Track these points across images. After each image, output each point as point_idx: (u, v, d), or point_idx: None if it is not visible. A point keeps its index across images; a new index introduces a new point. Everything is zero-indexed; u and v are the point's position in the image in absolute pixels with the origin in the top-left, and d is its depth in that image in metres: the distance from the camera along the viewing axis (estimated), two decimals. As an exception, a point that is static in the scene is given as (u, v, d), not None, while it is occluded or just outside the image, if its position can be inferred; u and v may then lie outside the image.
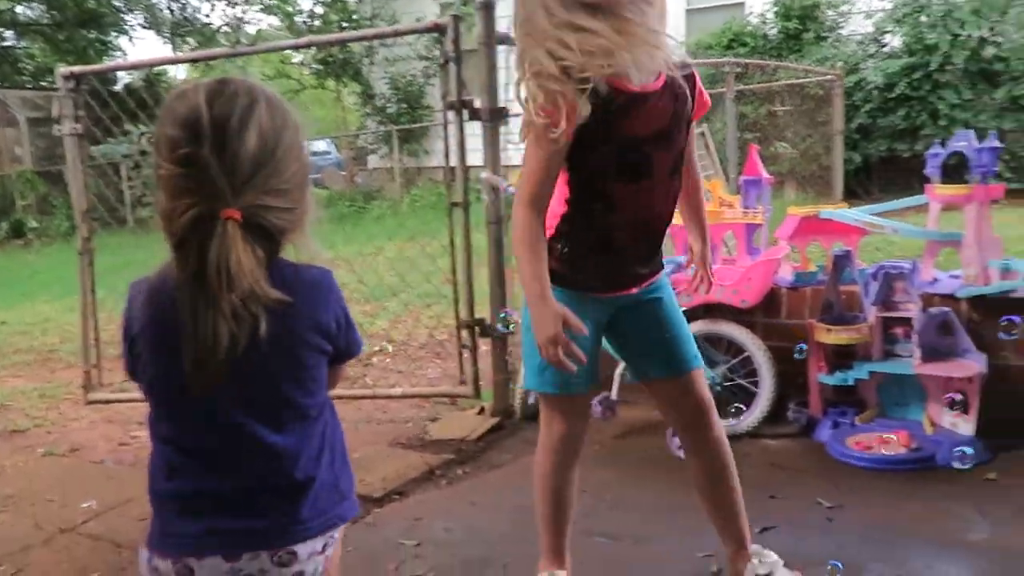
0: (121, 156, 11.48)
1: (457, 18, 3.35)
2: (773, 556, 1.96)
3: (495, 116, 3.33)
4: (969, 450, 2.34)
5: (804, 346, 2.76)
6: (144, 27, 17.60)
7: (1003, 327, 2.15)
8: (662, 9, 1.59)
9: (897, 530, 2.29)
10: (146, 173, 10.86)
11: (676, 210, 1.85)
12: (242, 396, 1.14)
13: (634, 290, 1.83)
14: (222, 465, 1.16)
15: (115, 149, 10.92)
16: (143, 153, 11.06)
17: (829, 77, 9.16)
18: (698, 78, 1.71)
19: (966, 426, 2.74)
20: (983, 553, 2.15)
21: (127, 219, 10.25)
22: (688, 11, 12.06)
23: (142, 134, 9.59)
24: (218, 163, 1.06)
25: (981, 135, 2.97)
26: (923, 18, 9.18)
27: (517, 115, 3.82)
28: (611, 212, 1.70)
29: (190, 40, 16.87)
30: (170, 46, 17.99)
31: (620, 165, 1.65)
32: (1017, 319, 2.21)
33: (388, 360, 4.34)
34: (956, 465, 2.38)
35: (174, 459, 1.17)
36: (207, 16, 17.68)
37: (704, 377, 1.93)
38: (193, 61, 4.88)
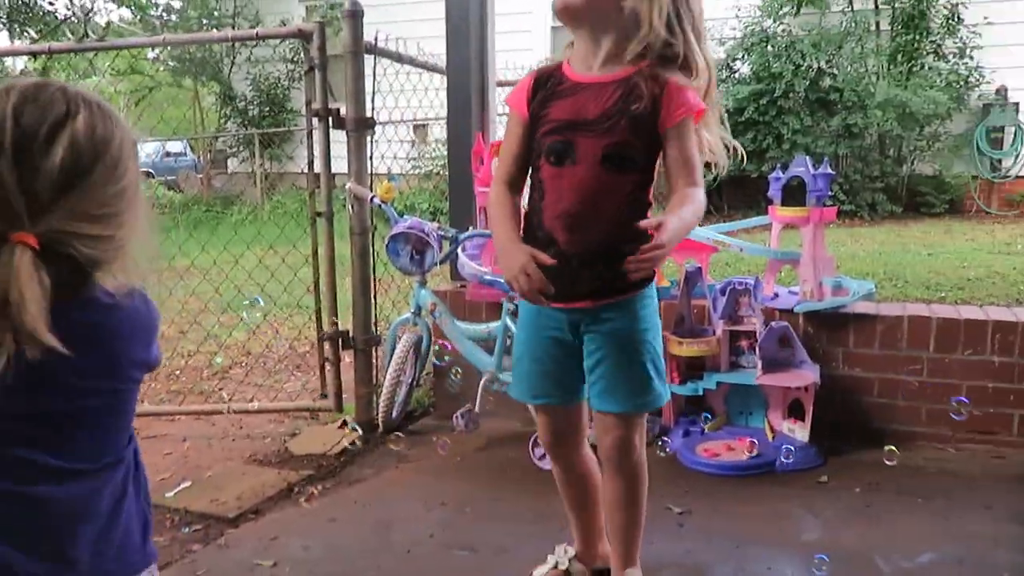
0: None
1: (323, 24, 3.30)
2: None
3: (361, 125, 3.31)
4: (791, 447, 2.73)
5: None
6: (-25, 11, 16.29)
7: (954, 408, 2.50)
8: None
9: (741, 533, 2.43)
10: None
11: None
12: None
13: (587, 303, 1.80)
14: None
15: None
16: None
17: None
18: (671, 87, 1.71)
19: (802, 432, 2.95)
20: (816, 552, 2.32)
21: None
22: (553, 28, 12.35)
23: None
24: (16, 181, 0.94)
25: (818, 160, 3.22)
26: (769, 48, 9.79)
27: (385, 123, 3.80)
28: (542, 197, 1.79)
29: (29, 29, 15.70)
30: (6, 34, 16.70)
31: (548, 147, 1.76)
32: (966, 400, 2.52)
33: (246, 373, 4.19)
34: (783, 460, 2.71)
35: None
36: (51, 4, 16.46)
37: (630, 421, 1.89)
38: (33, 54, 4.56)
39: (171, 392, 3.93)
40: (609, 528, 2.05)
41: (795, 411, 3.01)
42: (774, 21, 10.08)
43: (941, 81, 9.71)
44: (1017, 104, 9.74)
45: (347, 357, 3.47)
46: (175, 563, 2.32)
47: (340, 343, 3.38)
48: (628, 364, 1.84)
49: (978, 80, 9.85)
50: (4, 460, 1.00)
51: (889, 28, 9.99)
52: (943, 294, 4.89)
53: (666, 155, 1.77)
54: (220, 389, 3.98)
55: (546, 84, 1.78)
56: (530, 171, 1.84)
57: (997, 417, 2.96)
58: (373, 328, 3.45)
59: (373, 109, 3.40)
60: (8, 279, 0.92)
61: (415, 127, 10.48)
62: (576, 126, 1.73)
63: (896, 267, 6.07)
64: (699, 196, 1.76)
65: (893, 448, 2.53)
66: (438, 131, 10.00)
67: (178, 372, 4.25)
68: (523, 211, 1.89)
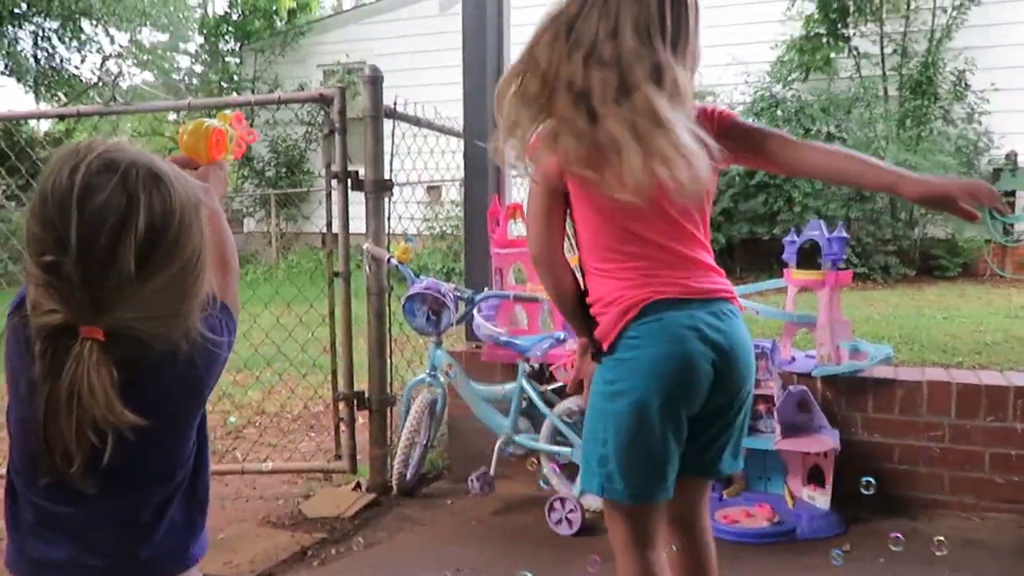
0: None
1: (343, 89, 3.38)
2: None
3: (379, 187, 3.36)
4: (812, 515, 2.67)
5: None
6: (3, 74, 16.76)
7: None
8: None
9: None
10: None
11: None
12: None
13: None
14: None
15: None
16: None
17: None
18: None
19: (822, 499, 2.90)
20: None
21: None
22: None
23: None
24: (82, 278, 0.94)
25: (832, 223, 3.24)
26: (779, 112, 9.94)
27: (402, 184, 3.85)
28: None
29: (57, 91, 16.14)
30: (33, 96, 17.16)
31: None
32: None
33: (260, 433, 4.18)
34: (804, 528, 2.55)
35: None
36: (77, 68, 16.95)
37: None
38: (62, 116, 4.67)
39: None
40: None
41: (815, 477, 2.97)
42: (783, 86, 10.25)
43: (950, 146, 9.79)
44: (1028, 168, 9.80)
45: (362, 418, 3.46)
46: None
47: (355, 403, 3.38)
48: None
49: (987, 145, 9.94)
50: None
51: (897, 94, 10.13)
52: (960, 359, 4.85)
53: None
54: (234, 449, 3.97)
55: None
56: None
57: (1022, 486, 2.91)
58: (388, 388, 3.45)
59: (391, 171, 3.46)
60: (81, 375, 0.95)
61: (429, 188, 10.62)
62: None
63: (912, 331, 6.04)
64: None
65: (942, 539, 2.41)
66: (452, 192, 10.14)
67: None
68: None
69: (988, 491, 2.93)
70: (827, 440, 2.90)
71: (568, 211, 1.64)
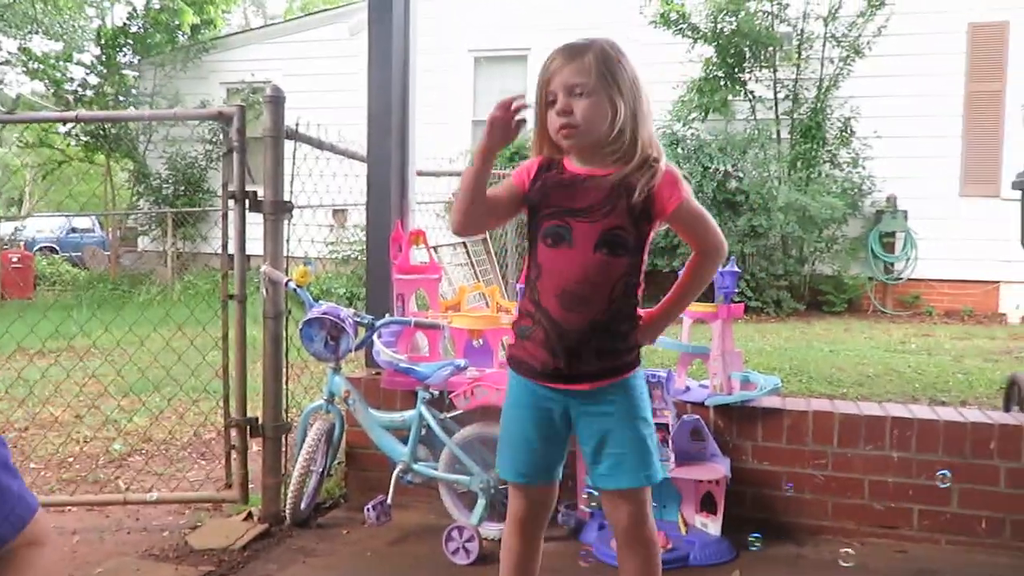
0: None
1: (243, 108, 3.31)
2: None
3: (278, 209, 3.29)
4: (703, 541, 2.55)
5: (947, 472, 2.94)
6: None
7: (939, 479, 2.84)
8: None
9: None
10: None
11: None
12: None
13: (586, 386, 1.94)
14: None
15: None
16: None
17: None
18: (658, 178, 1.91)
19: (714, 526, 2.97)
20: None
21: None
22: (474, 121, 12.67)
23: None
24: None
25: (725, 259, 3.35)
26: (679, 150, 10.28)
27: (303, 207, 3.79)
28: (539, 276, 1.94)
29: (-65, 98, 15.20)
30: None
31: (546, 230, 1.93)
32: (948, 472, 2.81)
33: (146, 461, 3.99)
34: (695, 555, 2.58)
35: None
36: (-42, 73, 16.03)
37: (640, 495, 1.99)
38: (-63, 123, 4.38)
39: (62, 481, 3.70)
40: None
41: (707, 505, 3.04)
42: (683, 125, 10.61)
43: (837, 188, 10.33)
44: (906, 211, 10.42)
45: (256, 445, 3.35)
46: (54, 670, 2.14)
47: (248, 430, 3.27)
48: (632, 441, 1.95)
49: (871, 188, 10.53)
50: None
51: (789, 136, 10.64)
52: (844, 390, 5.09)
53: (678, 231, 2.05)
54: (117, 478, 3.77)
55: (548, 169, 1.98)
56: (530, 255, 1.99)
57: (898, 512, 3.05)
58: (284, 415, 3.35)
59: (291, 193, 3.40)
60: None
61: (334, 212, 10.48)
62: (573, 212, 1.91)
63: (801, 362, 6.30)
64: (702, 267, 2.08)
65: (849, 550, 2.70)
66: (357, 216, 10.03)
67: (71, 459, 4.01)
68: (520, 292, 2.07)
69: (867, 517, 3.07)
70: (719, 468, 2.98)
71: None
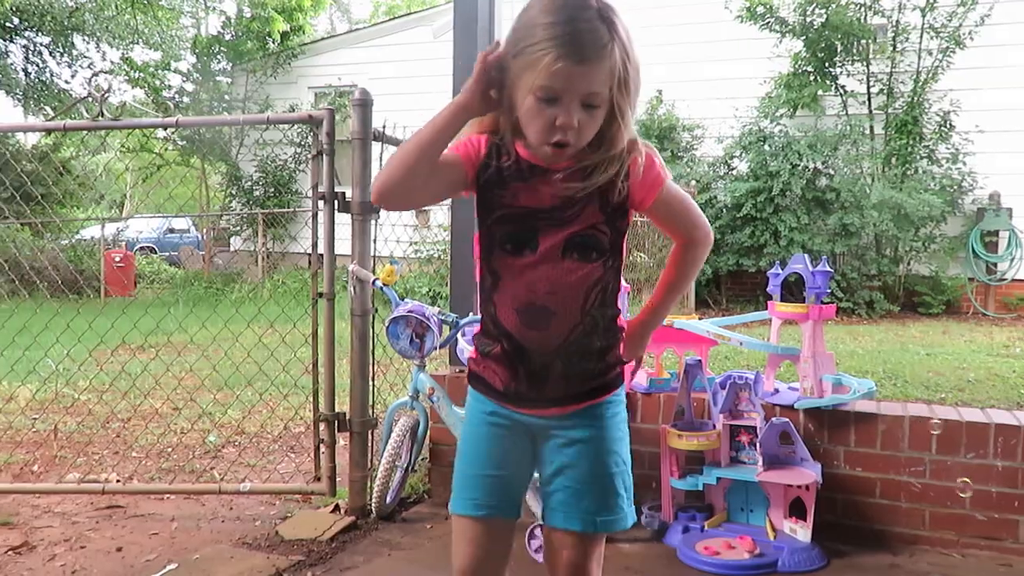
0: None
1: (332, 111, 3.39)
2: None
3: (366, 210, 3.35)
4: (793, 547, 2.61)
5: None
6: (-10, 87, 16.69)
7: (959, 487, 2.79)
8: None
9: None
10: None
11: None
12: None
13: (555, 411, 1.62)
14: None
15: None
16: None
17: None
18: (634, 167, 1.55)
19: (803, 532, 2.89)
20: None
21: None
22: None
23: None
24: None
25: (816, 258, 3.25)
26: (766, 147, 10.04)
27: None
28: (496, 287, 1.59)
29: (45, 106, 16.10)
30: (21, 109, 17.10)
31: (504, 236, 1.57)
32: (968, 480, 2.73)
33: (239, 453, 4.13)
34: (785, 561, 2.51)
35: None
36: (67, 82, 16.91)
37: (589, 543, 1.65)
38: (48, 131, 4.65)
39: (161, 470, 3.86)
40: None
41: (796, 510, 2.96)
42: (771, 122, 10.36)
43: (935, 185, 9.92)
44: (1011, 209, 9.93)
45: (343, 439, 3.43)
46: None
47: (336, 425, 3.35)
48: (594, 476, 1.62)
49: (971, 185, 10.07)
50: None
51: (883, 132, 10.27)
52: (943, 395, 4.87)
53: (657, 223, 1.69)
54: (212, 468, 3.91)
55: (498, 155, 1.57)
56: (482, 258, 1.61)
57: (1003, 523, 2.91)
58: (370, 411, 3.42)
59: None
60: None
61: (418, 212, 10.64)
62: (535, 214, 1.55)
63: (895, 366, 6.07)
64: (693, 259, 1.69)
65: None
66: (441, 216, 10.16)
67: (170, 449, 4.19)
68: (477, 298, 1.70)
69: (969, 527, 2.93)
70: (809, 473, 2.89)
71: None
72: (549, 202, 1.54)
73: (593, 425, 1.62)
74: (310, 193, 3.42)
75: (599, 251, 1.57)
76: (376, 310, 3.46)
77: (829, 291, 3.21)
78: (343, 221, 3.34)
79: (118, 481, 3.61)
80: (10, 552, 2.91)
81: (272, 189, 14.03)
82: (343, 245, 3.30)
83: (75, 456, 4.01)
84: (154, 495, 3.47)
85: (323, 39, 16.44)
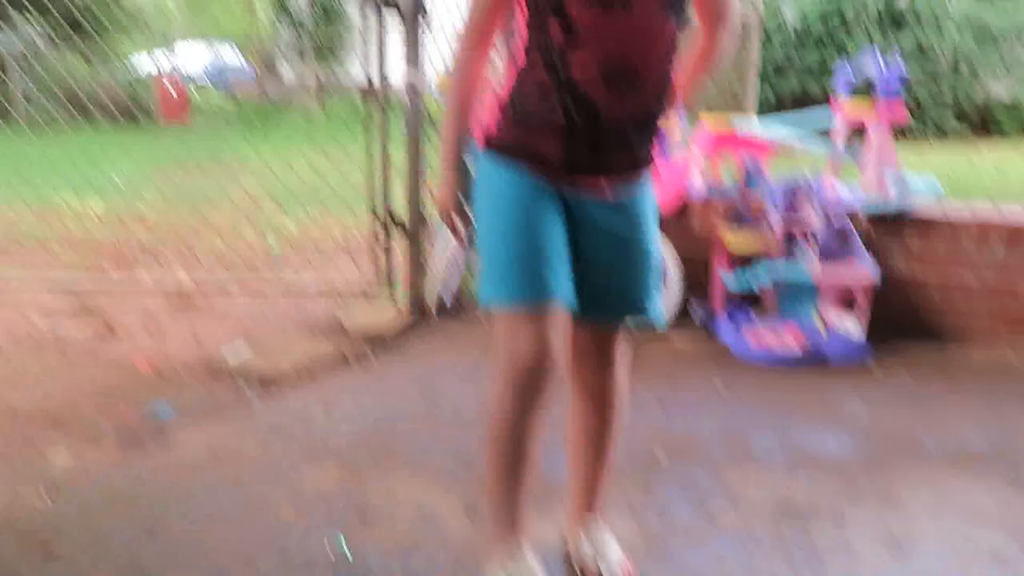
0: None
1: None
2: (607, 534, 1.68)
3: (415, 10, 3.25)
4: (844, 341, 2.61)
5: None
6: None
7: None
8: None
9: (783, 407, 2.47)
10: (37, 69, 10.17)
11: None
12: None
13: (602, 183, 1.44)
14: None
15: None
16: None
17: (746, 12, 9.27)
18: None
19: (856, 328, 2.91)
20: (856, 425, 2.34)
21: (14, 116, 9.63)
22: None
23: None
24: None
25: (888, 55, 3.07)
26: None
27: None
28: (575, 46, 1.34)
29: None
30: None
31: None
32: None
33: (301, 261, 4.28)
34: (835, 353, 2.56)
35: None
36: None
37: (618, 337, 1.56)
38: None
39: (229, 275, 4.03)
40: (579, 470, 1.66)
41: (850, 306, 2.98)
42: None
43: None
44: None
45: (399, 243, 3.50)
46: (234, 413, 2.43)
47: (393, 228, 3.41)
48: (627, 269, 1.49)
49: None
50: None
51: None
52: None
53: None
54: (275, 268, 4.09)
55: None
56: (553, 9, 1.35)
57: (1060, 321, 2.89)
58: (425, 216, 3.46)
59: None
60: None
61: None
62: None
63: (962, 181, 5.88)
64: (721, 45, 1.54)
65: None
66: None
67: (237, 257, 4.36)
68: (516, 64, 1.43)
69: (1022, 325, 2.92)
70: (864, 271, 2.88)
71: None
72: None
73: (640, 197, 1.49)
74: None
75: (683, 6, 1.40)
76: (431, 121, 3.43)
77: (900, 93, 3.02)
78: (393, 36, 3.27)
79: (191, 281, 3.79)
80: (97, 336, 3.13)
81: (320, 10, 13.77)
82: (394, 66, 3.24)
83: (147, 260, 4.21)
84: (224, 294, 3.64)
85: None
